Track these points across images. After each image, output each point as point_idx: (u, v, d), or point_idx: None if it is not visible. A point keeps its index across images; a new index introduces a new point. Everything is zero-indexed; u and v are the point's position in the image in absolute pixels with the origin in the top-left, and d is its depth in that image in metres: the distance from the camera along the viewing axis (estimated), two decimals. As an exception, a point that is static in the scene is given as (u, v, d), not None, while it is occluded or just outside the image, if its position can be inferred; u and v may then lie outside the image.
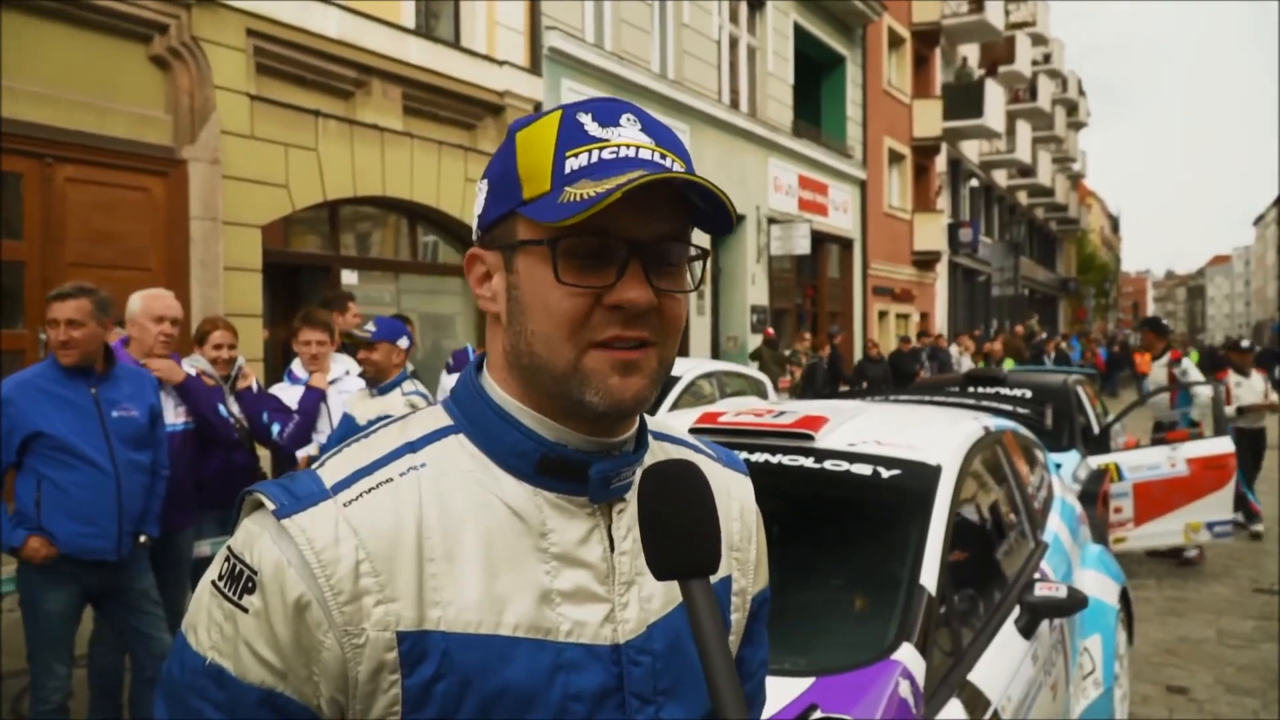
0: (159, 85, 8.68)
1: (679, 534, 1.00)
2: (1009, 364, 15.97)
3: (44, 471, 4.32)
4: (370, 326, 5.40)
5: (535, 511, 1.09)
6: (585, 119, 1.09)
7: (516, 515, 1.09)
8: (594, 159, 1.05)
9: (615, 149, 1.06)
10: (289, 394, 5.83)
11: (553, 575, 1.08)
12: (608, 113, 1.10)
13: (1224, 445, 8.92)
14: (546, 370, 1.07)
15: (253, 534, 1.05)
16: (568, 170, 1.05)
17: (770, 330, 17.39)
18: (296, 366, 5.98)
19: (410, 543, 1.04)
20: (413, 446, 1.12)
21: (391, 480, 1.08)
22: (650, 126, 1.12)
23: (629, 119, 1.10)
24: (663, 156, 1.08)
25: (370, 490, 1.06)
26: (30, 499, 4.31)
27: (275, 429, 5.66)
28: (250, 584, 1.03)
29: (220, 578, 1.07)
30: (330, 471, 1.10)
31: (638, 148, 1.07)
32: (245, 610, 1.03)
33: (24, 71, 7.58)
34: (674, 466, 1.04)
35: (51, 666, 4.35)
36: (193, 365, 5.35)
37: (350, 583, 1.01)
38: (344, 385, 5.95)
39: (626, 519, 1.14)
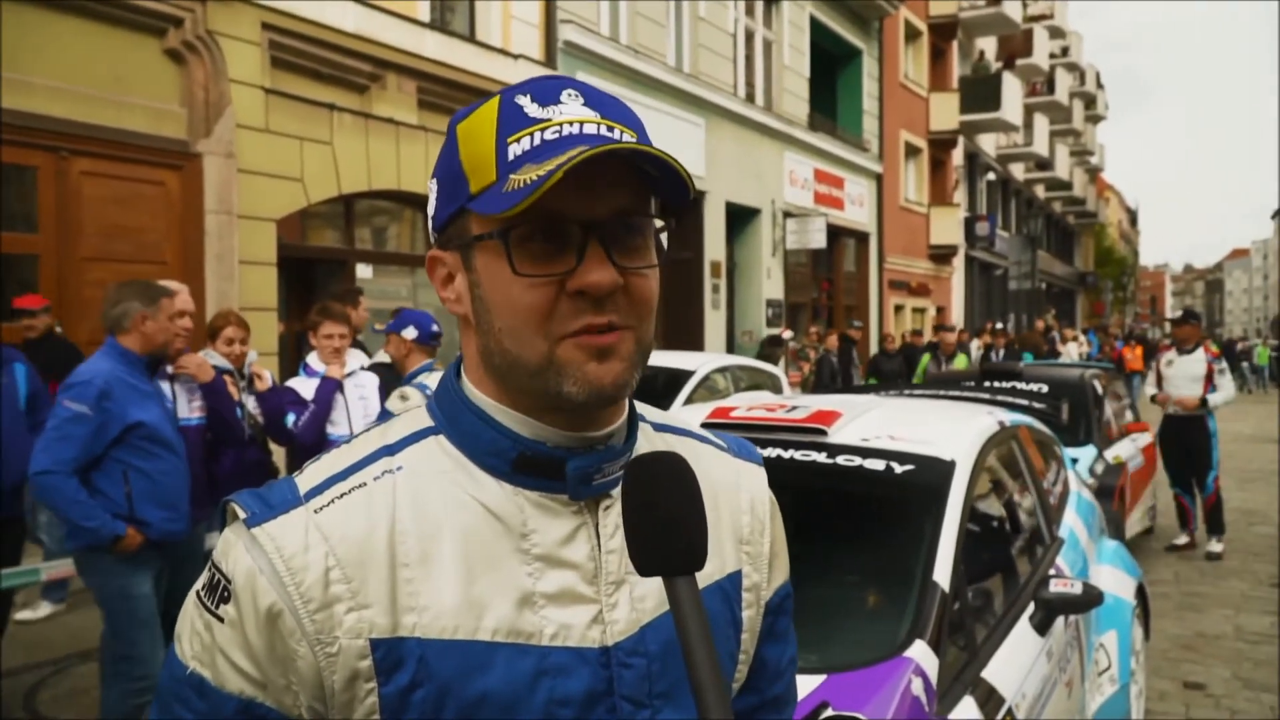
0: (174, 79, 8.70)
1: (663, 528, 0.96)
2: (961, 361, 15.36)
3: (131, 461, 4.41)
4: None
5: (516, 512, 1.06)
6: (524, 101, 1.04)
7: (495, 516, 1.05)
8: (536, 141, 1.01)
9: (557, 128, 1.02)
10: (305, 387, 5.83)
11: (535, 577, 1.05)
12: (547, 91, 1.05)
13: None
14: (521, 366, 1.04)
15: (229, 543, 1.04)
16: (510, 157, 1.01)
17: (786, 330, 17.29)
18: (313, 360, 5.97)
19: (383, 548, 1.02)
20: (390, 449, 1.09)
21: (365, 485, 1.05)
22: (595, 99, 1.07)
23: (570, 94, 1.05)
24: (610, 129, 1.03)
25: (342, 496, 1.04)
26: (119, 491, 4.38)
27: (290, 418, 5.68)
28: (226, 593, 1.02)
29: (202, 587, 1.06)
30: (307, 478, 1.08)
31: (581, 123, 1.03)
32: (221, 620, 1.02)
33: (39, 65, 7.61)
34: (657, 457, 1.00)
35: (155, 649, 4.41)
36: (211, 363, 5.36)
37: (320, 590, 0.99)
38: (359, 379, 5.96)
39: (614, 516, 1.09)
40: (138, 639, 4.38)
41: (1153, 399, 10.18)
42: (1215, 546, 9.55)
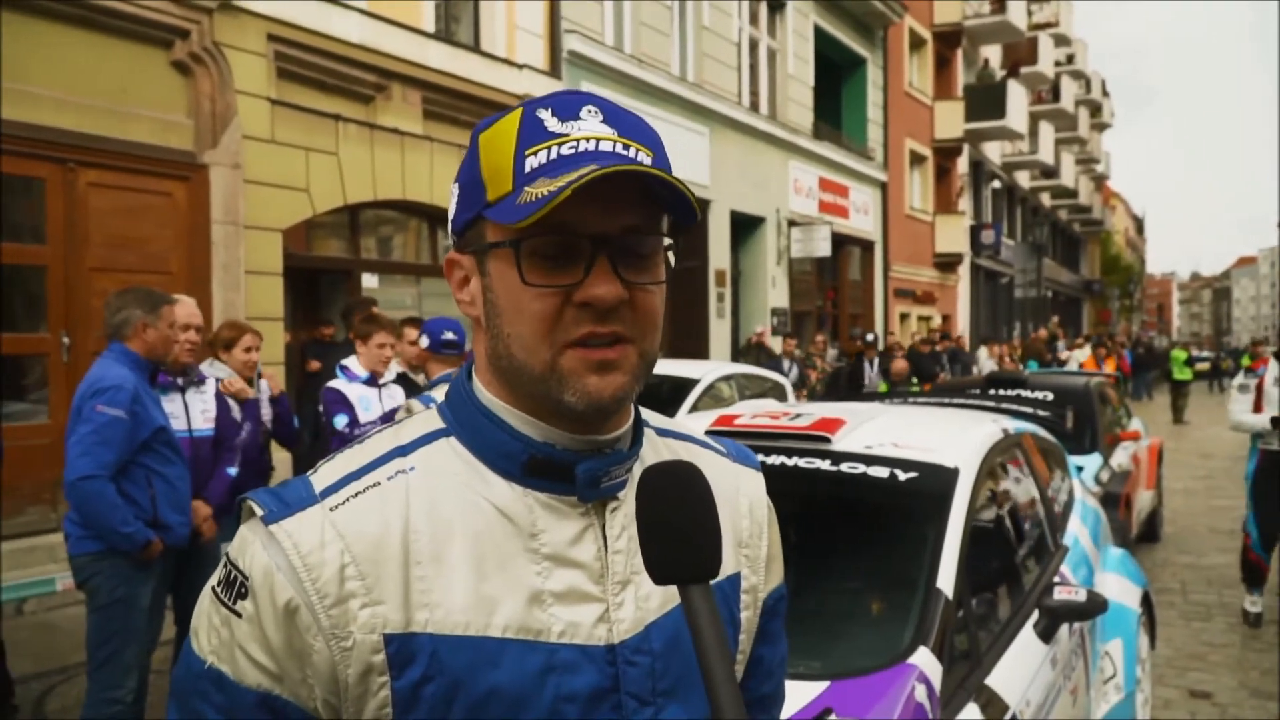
0: (180, 90, 8.74)
1: (678, 538, 0.99)
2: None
3: (153, 466, 4.48)
4: None
5: (525, 512, 1.09)
6: (545, 115, 1.07)
7: (505, 517, 1.09)
8: (552, 155, 1.04)
9: (574, 144, 1.05)
10: (348, 389, 5.91)
11: (544, 576, 1.08)
12: (567, 106, 1.09)
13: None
14: (525, 372, 1.07)
15: (245, 540, 1.07)
16: (527, 169, 1.04)
17: (763, 333, 17.17)
18: (352, 363, 6.06)
19: (396, 546, 1.04)
20: (403, 450, 1.12)
21: (379, 484, 1.08)
22: (613, 116, 1.10)
23: (590, 111, 1.09)
24: (625, 147, 1.07)
25: (357, 495, 1.07)
26: (145, 495, 4.44)
27: (342, 420, 5.75)
28: (243, 589, 1.05)
29: (219, 583, 1.09)
30: (321, 477, 1.11)
31: (598, 140, 1.06)
32: (239, 615, 1.05)
33: (46, 77, 7.65)
34: (673, 468, 1.03)
35: (134, 665, 4.43)
36: (214, 374, 5.41)
37: (336, 586, 1.02)
38: (391, 390, 6.11)
39: (620, 517, 1.13)
40: (123, 649, 4.39)
41: (1274, 422, 7.24)
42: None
